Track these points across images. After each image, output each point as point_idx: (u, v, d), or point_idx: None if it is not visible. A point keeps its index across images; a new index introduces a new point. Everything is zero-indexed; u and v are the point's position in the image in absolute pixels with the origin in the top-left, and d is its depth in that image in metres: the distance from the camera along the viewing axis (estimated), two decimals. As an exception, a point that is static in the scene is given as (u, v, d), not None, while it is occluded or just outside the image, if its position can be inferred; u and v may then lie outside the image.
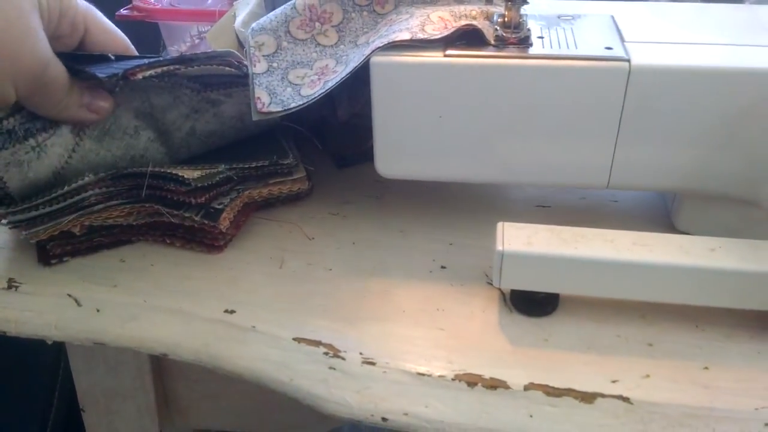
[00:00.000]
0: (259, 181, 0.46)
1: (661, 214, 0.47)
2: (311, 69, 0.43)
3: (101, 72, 0.40)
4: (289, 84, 0.43)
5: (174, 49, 0.71)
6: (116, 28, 0.46)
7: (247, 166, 0.45)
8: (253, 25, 0.44)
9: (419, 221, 0.47)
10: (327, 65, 0.43)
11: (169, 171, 0.42)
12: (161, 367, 0.51)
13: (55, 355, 0.92)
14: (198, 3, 0.74)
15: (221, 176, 0.44)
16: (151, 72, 0.41)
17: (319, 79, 0.42)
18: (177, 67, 0.42)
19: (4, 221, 0.43)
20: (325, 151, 0.54)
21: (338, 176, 0.53)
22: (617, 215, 0.48)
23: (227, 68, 0.44)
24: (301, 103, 0.41)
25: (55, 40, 0.41)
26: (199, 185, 0.42)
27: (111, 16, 0.66)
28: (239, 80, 0.45)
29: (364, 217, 0.48)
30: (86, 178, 0.42)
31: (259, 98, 0.42)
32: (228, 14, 0.57)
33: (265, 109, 0.42)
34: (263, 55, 0.43)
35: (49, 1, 0.40)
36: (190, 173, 0.42)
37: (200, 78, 0.44)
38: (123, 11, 0.66)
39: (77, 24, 0.43)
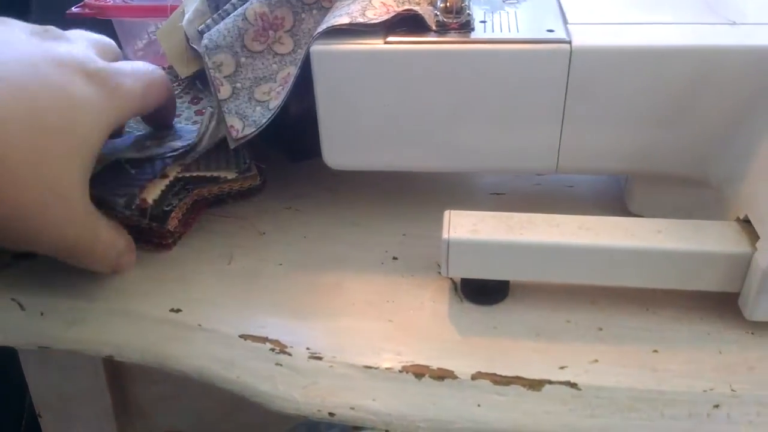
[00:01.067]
0: (209, 182, 0.45)
1: (616, 197, 0.46)
2: (275, 81, 0.42)
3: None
4: (257, 103, 0.42)
5: (130, 48, 0.69)
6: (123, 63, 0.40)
7: (198, 174, 0.44)
8: (206, 41, 0.42)
9: (373, 213, 0.47)
10: (289, 73, 0.42)
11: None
12: (118, 369, 0.50)
13: (19, 384, 0.91)
14: (157, -1, 0.73)
15: (173, 192, 0.43)
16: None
17: (283, 89, 0.41)
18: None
19: None
20: (278, 147, 0.54)
21: (294, 169, 0.52)
22: (572, 200, 0.47)
23: None
24: (270, 115, 0.41)
25: None
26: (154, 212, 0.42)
27: (61, 14, 0.65)
28: None
29: (317, 211, 0.48)
30: None
31: (232, 126, 0.41)
32: (177, 11, 0.55)
33: (240, 135, 0.41)
34: (224, 77, 0.42)
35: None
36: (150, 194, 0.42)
37: None
38: (74, 9, 0.64)
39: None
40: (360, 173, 0.46)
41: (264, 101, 0.42)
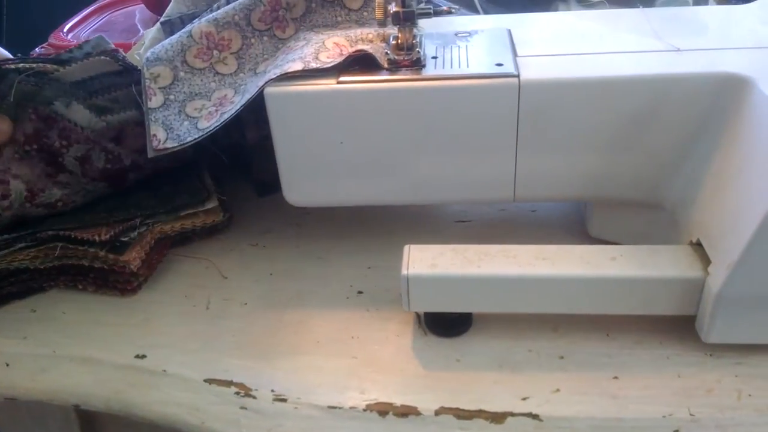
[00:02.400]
0: (169, 214, 0.45)
1: (578, 222, 0.47)
2: (209, 100, 0.43)
3: None
4: (186, 117, 0.42)
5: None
6: None
7: (161, 210, 0.44)
8: (147, 54, 0.43)
9: (339, 247, 0.47)
10: (225, 95, 0.43)
11: (79, 236, 0.42)
12: (89, 415, 0.50)
13: None
14: (126, 35, 0.73)
15: (132, 228, 0.43)
16: (24, 65, 0.41)
17: (216, 110, 0.42)
18: (55, 67, 0.42)
19: None
20: (246, 180, 0.54)
21: (259, 205, 0.52)
22: (536, 225, 0.48)
23: (108, 59, 0.43)
24: (197, 136, 0.41)
25: None
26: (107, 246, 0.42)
27: (26, 54, 0.65)
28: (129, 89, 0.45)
29: (283, 246, 0.48)
30: None
31: (155, 135, 0.41)
32: (138, 44, 0.56)
33: (161, 146, 0.41)
34: (159, 88, 0.42)
35: None
36: (102, 235, 0.42)
37: (85, 84, 0.44)
38: (38, 50, 0.65)
39: None
40: (325, 207, 0.46)
41: (194, 117, 0.42)
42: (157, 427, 0.39)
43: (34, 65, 0.42)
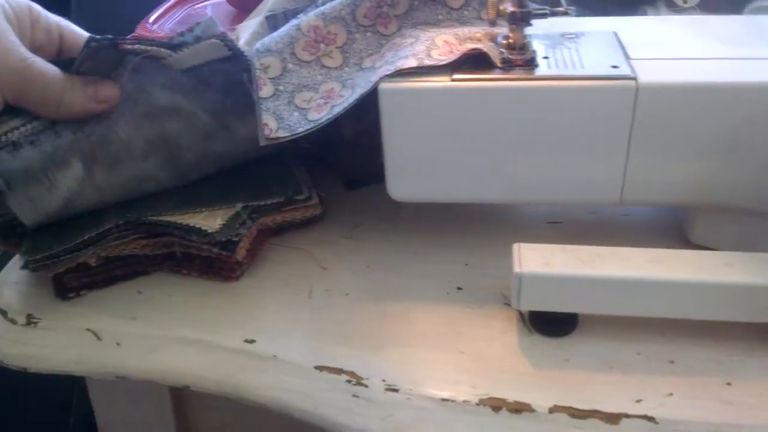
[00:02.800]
0: (272, 210, 0.46)
1: (674, 227, 0.47)
2: (317, 92, 0.43)
3: (92, 41, 0.40)
4: (295, 108, 0.43)
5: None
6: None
7: (263, 203, 0.45)
8: (257, 45, 0.44)
9: (432, 242, 0.48)
10: (332, 89, 0.43)
11: (189, 224, 0.43)
12: (182, 396, 0.51)
13: (69, 384, 0.92)
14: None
15: (239, 222, 0.44)
16: (139, 47, 0.42)
17: (325, 103, 0.42)
18: (168, 52, 0.43)
19: (24, 268, 0.43)
20: (335, 173, 0.55)
21: (349, 198, 0.53)
22: (630, 230, 0.48)
23: (219, 43, 0.44)
24: (308, 128, 0.42)
25: (33, 51, 0.42)
26: (218, 238, 0.43)
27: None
28: (250, 102, 0.46)
29: (377, 240, 0.48)
30: (107, 225, 0.42)
31: (266, 124, 0.42)
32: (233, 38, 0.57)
33: (272, 135, 0.42)
34: (269, 78, 0.43)
35: (15, 10, 0.41)
36: (210, 223, 0.43)
37: (195, 71, 0.45)
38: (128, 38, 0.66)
39: (51, 32, 0.44)
40: (414, 203, 0.46)
41: (303, 109, 0.43)
42: (244, 410, 0.40)
43: (149, 48, 0.43)
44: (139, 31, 0.67)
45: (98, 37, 0.41)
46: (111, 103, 0.43)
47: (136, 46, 0.43)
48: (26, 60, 0.40)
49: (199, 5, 0.75)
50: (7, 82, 0.40)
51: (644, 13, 0.59)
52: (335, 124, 0.50)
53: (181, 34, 0.45)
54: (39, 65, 0.41)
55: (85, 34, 0.45)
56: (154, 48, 0.43)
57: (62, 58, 0.43)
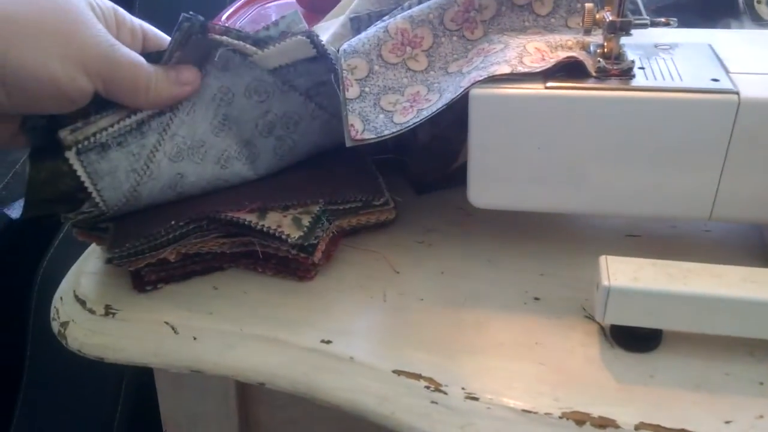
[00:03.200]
0: (350, 213, 0.46)
1: (757, 245, 0.46)
2: (402, 95, 0.43)
3: (186, 21, 0.41)
4: (381, 110, 0.43)
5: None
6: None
7: (342, 207, 0.45)
8: (345, 46, 0.44)
9: (506, 251, 0.47)
10: (418, 92, 0.43)
11: (272, 229, 0.43)
12: (246, 392, 0.52)
13: (118, 373, 0.94)
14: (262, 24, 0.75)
15: (319, 225, 0.44)
16: (227, 39, 0.42)
17: (411, 106, 0.42)
18: (255, 50, 0.43)
19: (109, 263, 0.44)
20: (406, 177, 0.55)
21: (419, 202, 0.53)
22: (711, 246, 0.47)
23: (305, 41, 0.44)
24: (394, 130, 0.42)
25: None
26: (299, 242, 0.43)
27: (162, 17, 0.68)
28: (332, 104, 0.46)
29: (449, 246, 0.48)
30: (190, 223, 0.43)
31: (352, 125, 0.42)
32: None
33: (358, 137, 0.42)
34: (356, 79, 0.43)
35: (103, 9, 0.42)
36: (292, 230, 0.43)
37: (281, 71, 0.45)
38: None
39: (136, 34, 0.44)
40: (487, 210, 0.46)
41: (388, 111, 0.43)
42: (309, 409, 0.40)
43: (236, 42, 0.43)
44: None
45: (191, 14, 0.41)
46: (194, 86, 0.44)
47: (224, 38, 0.43)
48: (114, 46, 0.41)
49: (269, 4, 0.76)
50: (97, 69, 0.40)
51: (727, 26, 0.58)
52: (412, 129, 0.50)
53: (266, 27, 0.45)
54: (127, 51, 0.41)
55: (166, 38, 0.46)
56: (241, 44, 0.43)
57: (150, 52, 0.44)
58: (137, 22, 0.45)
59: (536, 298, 0.43)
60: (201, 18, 0.42)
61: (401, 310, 0.42)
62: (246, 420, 0.53)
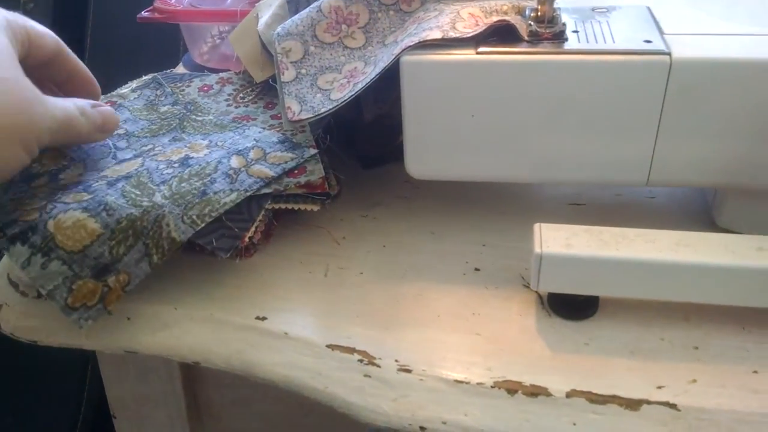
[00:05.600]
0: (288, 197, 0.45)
1: (700, 210, 0.45)
2: (340, 73, 0.42)
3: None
4: (318, 90, 0.42)
5: (195, 51, 0.70)
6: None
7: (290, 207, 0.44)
8: (278, 29, 0.43)
9: (450, 222, 0.46)
10: (356, 67, 0.42)
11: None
12: (192, 372, 0.51)
13: (83, 358, 0.93)
14: (217, 3, 0.73)
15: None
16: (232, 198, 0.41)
17: (348, 81, 0.41)
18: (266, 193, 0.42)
19: None
20: (352, 152, 0.54)
21: (366, 177, 0.52)
22: (655, 212, 0.46)
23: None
24: (331, 107, 0.41)
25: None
26: None
27: (132, 18, 0.66)
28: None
29: (394, 219, 0.47)
30: None
31: (289, 107, 0.41)
32: (250, 15, 0.56)
33: (296, 118, 0.41)
34: (291, 62, 0.42)
35: (19, 35, 0.40)
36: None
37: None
38: (144, 13, 0.65)
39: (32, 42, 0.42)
40: (433, 181, 0.45)
41: (326, 90, 0.42)
42: (256, 387, 0.39)
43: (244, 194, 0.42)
44: (158, 4, 0.66)
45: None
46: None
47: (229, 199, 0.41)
48: (55, 109, 0.40)
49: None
50: (47, 140, 0.39)
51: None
52: (356, 105, 0.49)
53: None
54: (61, 106, 0.40)
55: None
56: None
57: None
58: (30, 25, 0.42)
59: (477, 269, 0.42)
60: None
61: (340, 285, 0.42)
62: (195, 400, 0.53)
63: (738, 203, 0.41)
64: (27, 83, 0.37)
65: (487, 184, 0.48)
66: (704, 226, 0.44)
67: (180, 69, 0.68)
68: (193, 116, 0.50)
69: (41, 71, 0.43)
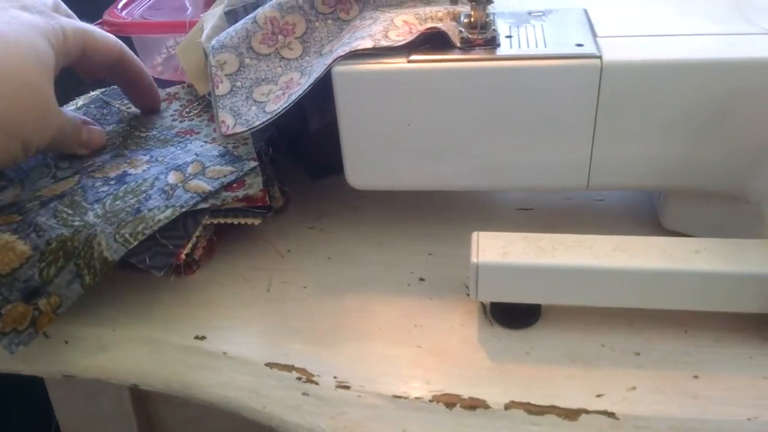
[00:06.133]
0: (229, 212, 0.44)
1: (648, 212, 0.45)
2: (276, 84, 0.42)
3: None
4: (254, 102, 0.41)
5: (149, 63, 0.69)
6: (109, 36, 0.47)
7: (230, 222, 0.43)
8: (213, 42, 0.42)
9: (398, 232, 0.46)
10: (292, 78, 0.41)
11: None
12: (143, 392, 0.50)
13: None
14: (177, 14, 0.72)
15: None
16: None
17: (284, 93, 0.41)
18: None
19: None
20: (301, 163, 0.53)
21: (315, 188, 0.51)
22: (603, 215, 0.46)
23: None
24: (265, 119, 0.40)
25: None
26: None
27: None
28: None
29: (341, 230, 0.47)
30: None
31: (223, 121, 0.41)
32: (196, 27, 0.55)
33: (230, 132, 0.40)
34: (226, 75, 0.42)
35: (69, 42, 0.42)
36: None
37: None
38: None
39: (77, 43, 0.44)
40: (382, 191, 0.45)
41: (261, 102, 0.41)
42: (208, 409, 0.39)
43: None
44: (107, 17, 0.65)
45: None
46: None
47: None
48: (61, 117, 0.43)
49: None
50: (47, 144, 0.41)
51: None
52: (302, 116, 0.48)
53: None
54: (69, 118, 0.44)
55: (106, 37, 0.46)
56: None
57: None
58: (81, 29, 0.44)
59: (422, 279, 0.42)
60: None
61: (282, 300, 0.41)
62: (148, 419, 0.52)
63: (681, 204, 0.41)
64: (48, 92, 0.40)
65: (435, 192, 0.48)
66: (651, 228, 0.43)
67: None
68: (137, 132, 0.50)
69: (105, 72, 0.48)
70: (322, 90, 0.39)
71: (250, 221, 0.43)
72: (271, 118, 0.40)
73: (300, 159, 0.52)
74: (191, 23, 0.61)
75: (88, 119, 0.48)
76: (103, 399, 0.49)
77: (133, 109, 0.53)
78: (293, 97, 0.40)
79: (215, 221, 0.43)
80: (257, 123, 0.40)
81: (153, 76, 0.68)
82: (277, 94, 0.41)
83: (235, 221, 0.43)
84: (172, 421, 0.52)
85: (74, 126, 0.45)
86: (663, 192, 0.43)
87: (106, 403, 0.49)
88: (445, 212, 0.47)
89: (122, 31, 0.65)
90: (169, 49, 0.72)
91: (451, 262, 0.42)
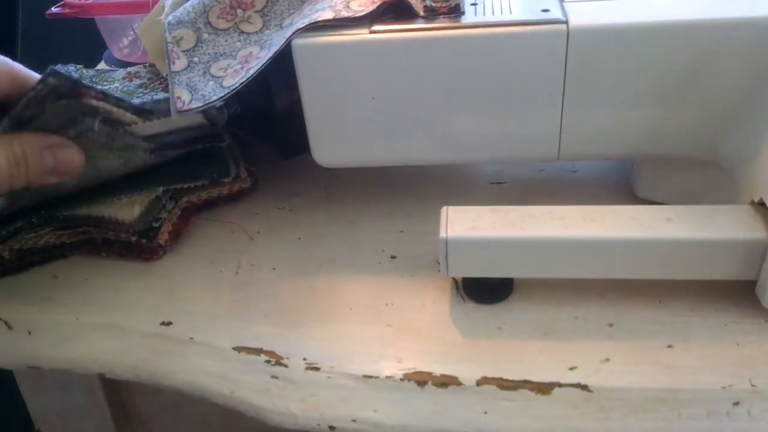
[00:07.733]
0: (197, 190, 0.43)
1: (623, 182, 0.44)
2: (235, 59, 0.40)
3: (51, 76, 0.34)
4: (211, 77, 0.40)
5: (115, 46, 0.67)
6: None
7: (186, 186, 0.42)
8: (170, 17, 0.41)
9: (369, 210, 0.45)
10: (251, 52, 0.40)
11: (105, 215, 0.40)
12: (115, 381, 0.49)
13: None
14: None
15: (159, 206, 0.41)
16: (104, 106, 0.37)
17: (242, 67, 0.39)
18: (134, 119, 0.39)
19: None
20: (271, 144, 0.52)
21: (286, 167, 0.50)
22: (577, 187, 0.45)
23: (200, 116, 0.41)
24: (222, 94, 0.39)
25: None
26: (136, 228, 0.40)
27: (41, 15, 0.63)
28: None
29: (311, 210, 0.46)
30: (20, 222, 0.40)
31: (179, 97, 0.39)
32: (158, 6, 0.53)
33: (185, 108, 0.39)
34: (182, 51, 0.40)
35: None
36: (128, 213, 0.40)
37: (157, 138, 0.41)
38: (54, 9, 0.62)
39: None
40: (354, 169, 0.44)
41: (218, 77, 0.40)
42: (185, 395, 0.38)
43: (114, 109, 0.38)
44: None
45: (60, 69, 0.34)
46: (73, 172, 0.38)
47: (101, 104, 0.37)
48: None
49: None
50: None
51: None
52: (269, 94, 0.47)
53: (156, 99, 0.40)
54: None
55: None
56: (121, 111, 0.38)
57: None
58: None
59: (393, 257, 0.41)
60: (73, 77, 0.35)
61: (251, 283, 0.40)
62: (123, 409, 0.51)
63: (654, 173, 0.40)
64: None
65: (407, 167, 0.47)
66: (625, 198, 0.43)
67: (102, 65, 0.66)
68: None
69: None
70: (289, 67, 0.38)
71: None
72: (229, 92, 0.39)
73: (270, 138, 0.51)
74: (155, 2, 0.59)
75: (64, 142, 0.38)
76: (75, 390, 0.48)
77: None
78: (252, 71, 0.38)
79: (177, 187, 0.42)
80: (214, 98, 0.39)
81: (119, 59, 0.67)
82: (236, 69, 0.40)
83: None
84: (148, 409, 0.51)
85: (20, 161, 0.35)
86: (636, 161, 0.42)
87: (77, 394, 0.48)
88: (417, 189, 0.46)
89: (84, 13, 0.63)
90: (136, 31, 0.71)
91: (423, 239, 0.42)
